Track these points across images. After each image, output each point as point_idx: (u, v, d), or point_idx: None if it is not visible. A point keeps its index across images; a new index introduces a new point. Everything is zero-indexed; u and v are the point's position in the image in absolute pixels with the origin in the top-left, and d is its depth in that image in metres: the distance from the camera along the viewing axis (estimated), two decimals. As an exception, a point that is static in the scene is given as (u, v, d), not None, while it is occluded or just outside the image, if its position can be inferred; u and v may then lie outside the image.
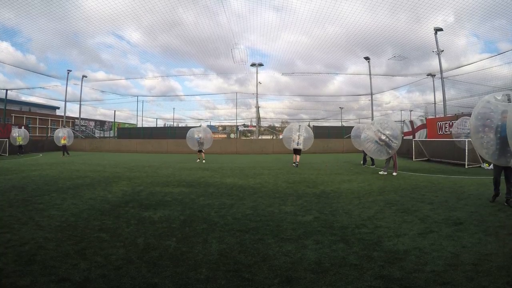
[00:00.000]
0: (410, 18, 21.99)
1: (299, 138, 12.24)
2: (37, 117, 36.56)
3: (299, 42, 40.11)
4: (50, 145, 23.65)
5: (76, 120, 35.01)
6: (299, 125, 12.97)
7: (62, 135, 19.23)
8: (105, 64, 50.78)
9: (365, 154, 11.78)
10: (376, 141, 9.12)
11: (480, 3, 17.39)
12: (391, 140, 8.92)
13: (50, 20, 22.22)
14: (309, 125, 20.58)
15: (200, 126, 19.74)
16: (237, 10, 26.88)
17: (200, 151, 14.73)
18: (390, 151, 9.05)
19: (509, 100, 4.87)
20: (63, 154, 18.28)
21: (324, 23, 24.04)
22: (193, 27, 29.56)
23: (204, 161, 14.40)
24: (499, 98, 4.96)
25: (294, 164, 12.03)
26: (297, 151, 12.21)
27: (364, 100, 29.42)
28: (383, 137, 8.98)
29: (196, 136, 14.55)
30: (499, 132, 4.61)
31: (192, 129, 15.64)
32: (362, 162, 12.42)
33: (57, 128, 24.93)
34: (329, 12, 21.11)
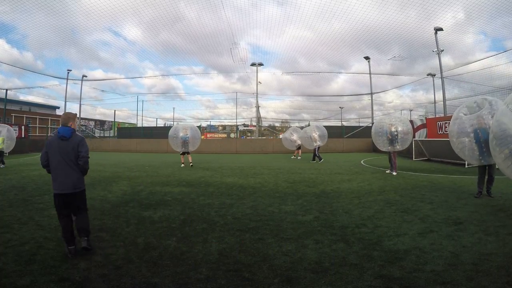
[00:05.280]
0: (419, 14, 21.48)
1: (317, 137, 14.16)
2: (37, 116, 36.64)
3: (302, 38, 39.66)
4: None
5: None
6: (315, 126, 15.12)
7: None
8: (104, 62, 50.55)
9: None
10: (387, 132, 9.28)
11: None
12: (399, 135, 9.12)
13: (47, 15, 21.85)
14: (308, 125, 20.60)
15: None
16: (238, 4, 26.40)
17: (184, 153, 12.05)
18: (390, 147, 9.24)
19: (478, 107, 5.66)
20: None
21: (329, 18, 23.58)
22: (194, 22, 29.13)
23: (191, 164, 11.83)
24: (466, 112, 5.84)
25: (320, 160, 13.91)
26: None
27: (366, 100, 29.28)
28: (393, 129, 9.17)
29: (182, 134, 11.96)
30: (477, 138, 5.37)
31: (176, 125, 13.40)
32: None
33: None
34: (335, 7, 20.76)
